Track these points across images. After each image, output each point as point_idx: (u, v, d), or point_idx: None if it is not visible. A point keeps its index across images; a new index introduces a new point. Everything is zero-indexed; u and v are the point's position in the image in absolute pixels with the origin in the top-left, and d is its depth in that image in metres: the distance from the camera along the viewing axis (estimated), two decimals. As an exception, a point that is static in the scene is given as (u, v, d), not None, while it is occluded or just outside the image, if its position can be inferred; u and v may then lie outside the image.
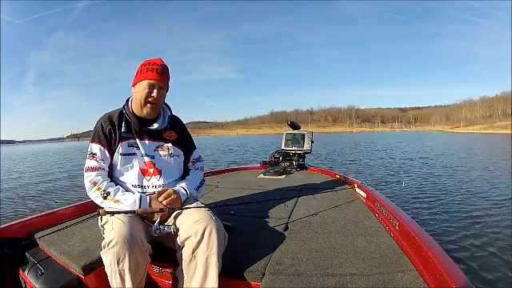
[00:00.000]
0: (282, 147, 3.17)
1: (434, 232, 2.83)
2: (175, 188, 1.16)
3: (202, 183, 1.30)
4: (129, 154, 1.15)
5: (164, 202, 1.09)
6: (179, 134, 1.27)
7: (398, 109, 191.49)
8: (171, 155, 1.22)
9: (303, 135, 3.14)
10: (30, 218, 1.42)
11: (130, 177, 1.16)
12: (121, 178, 1.16)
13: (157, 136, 1.20)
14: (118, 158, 1.14)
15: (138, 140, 1.17)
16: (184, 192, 1.17)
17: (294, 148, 3.12)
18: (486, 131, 63.25)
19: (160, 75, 1.13)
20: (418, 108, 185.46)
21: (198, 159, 1.35)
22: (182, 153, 1.27)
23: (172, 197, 1.11)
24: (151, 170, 1.17)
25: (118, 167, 1.15)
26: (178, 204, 1.13)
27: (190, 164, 1.33)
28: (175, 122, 1.28)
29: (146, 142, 1.18)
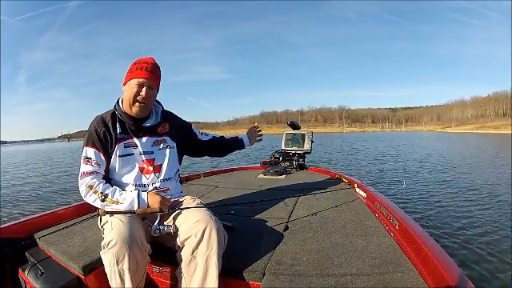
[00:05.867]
0: (282, 147, 3.17)
1: (433, 232, 2.83)
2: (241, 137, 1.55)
3: None
4: (126, 155, 1.15)
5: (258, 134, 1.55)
6: (172, 126, 1.28)
7: (389, 109, 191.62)
8: (168, 147, 1.23)
9: (303, 135, 3.14)
10: (30, 218, 1.42)
11: (129, 177, 1.15)
12: (120, 180, 1.15)
13: (153, 132, 1.20)
14: (115, 160, 1.13)
15: (135, 139, 1.16)
16: (246, 138, 1.55)
17: (294, 148, 3.12)
18: (477, 131, 63.78)
19: (149, 74, 1.12)
20: (409, 108, 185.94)
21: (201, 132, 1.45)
22: (175, 144, 1.28)
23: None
24: (150, 168, 1.17)
25: (117, 169, 1.14)
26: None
27: (200, 135, 1.42)
28: (167, 116, 1.28)
29: (143, 139, 1.18)
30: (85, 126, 1.17)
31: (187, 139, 1.36)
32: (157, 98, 1.23)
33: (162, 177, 1.19)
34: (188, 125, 1.40)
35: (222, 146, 1.50)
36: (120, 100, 1.18)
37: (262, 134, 1.64)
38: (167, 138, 1.24)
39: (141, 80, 1.11)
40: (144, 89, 1.11)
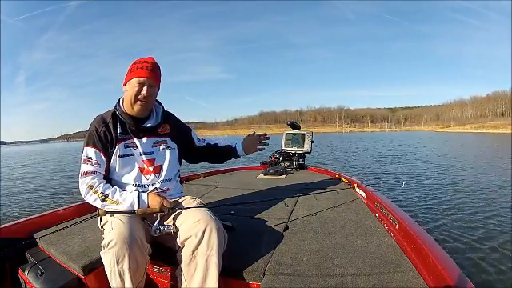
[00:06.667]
0: (282, 147, 3.17)
1: (434, 232, 2.83)
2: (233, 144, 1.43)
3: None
4: (127, 155, 1.15)
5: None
6: (173, 127, 1.28)
7: (388, 109, 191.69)
8: (168, 148, 1.23)
9: (303, 135, 3.14)
10: (30, 217, 1.42)
11: (129, 178, 1.15)
12: (120, 180, 1.15)
13: (153, 132, 1.20)
14: (116, 160, 1.13)
15: (135, 139, 1.16)
16: (240, 146, 1.43)
17: (293, 148, 3.12)
18: (476, 131, 63.90)
19: (150, 73, 1.12)
20: (409, 108, 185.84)
21: (200, 138, 1.41)
22: (176, 146, 1.28)
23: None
24: (150, 169, 1.17)
25: (117, 169, 1.14)
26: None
27: (197, 142, 1.38)
28: (168, 117, 1.28)
29: (143, 140, 1.18)
30: (84, 127, 1.17)
31: (185, 143, 1.35)
32: (157, 98, 1.23)
33: (162, 178, 1.19)
34: (188, 129, 1.38)
35: (215, 154, 1.44)
36: (121, 100, 1.19)
37: (266, 143, 1.48)
38: (168, 139, 1.24)
39: (141, 79, 1.11)
40: (145, 88, 1.11)
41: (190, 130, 1.40)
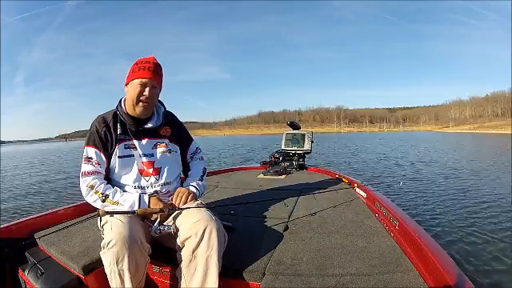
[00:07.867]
0: (282, 147, 3.18)
1: (433, 232, 2.83)
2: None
3: (204, 171, 1.33)
4: (126, 156, 1.14)
5: (183, 201, 1.12)
6: (174, 129, 1.26)
7: (387, 109, 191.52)
8: (169, 151, 1.22)
9: (303, 135, 3.14)
10: (30, 217, 1.42)
11: (128, 178, 1.15)
12: (119, 181, 1.15)
13: (153, 134, 1.19)
14: (115, 160, 1.13)
15: (135, 140, 1.16)
16: (194, 189, 1.21)
17: (294, 148, 3.12)
18: (475, 131, 64.08)
19: (152, 73, 1.11)
20: (407, 108, 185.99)
21: (196, 151, 1.36)
22: (178, 148, 1.27)
23: (186, 195, 1.14)
24: (150, 170, 1.16)
25: (116, 170, 1.14)
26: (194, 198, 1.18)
27: (188, 158, 1.34)
28: (169, 118, 1.27)
29: (143, 141, 1.17)
30: (82, 126, 1.17)
31: (181, 149, 1.31)
32: (158, 98, 1.22)
33: (162, 180, 1.18)
34: (188, 139, 1.34)
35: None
36: (122, 100, 1.18)
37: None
38: (168, 141, 1.23)
39: (144, 80, 1.10)
40: (147, 89, 1.11)
41: (191, 141, 1.35)
